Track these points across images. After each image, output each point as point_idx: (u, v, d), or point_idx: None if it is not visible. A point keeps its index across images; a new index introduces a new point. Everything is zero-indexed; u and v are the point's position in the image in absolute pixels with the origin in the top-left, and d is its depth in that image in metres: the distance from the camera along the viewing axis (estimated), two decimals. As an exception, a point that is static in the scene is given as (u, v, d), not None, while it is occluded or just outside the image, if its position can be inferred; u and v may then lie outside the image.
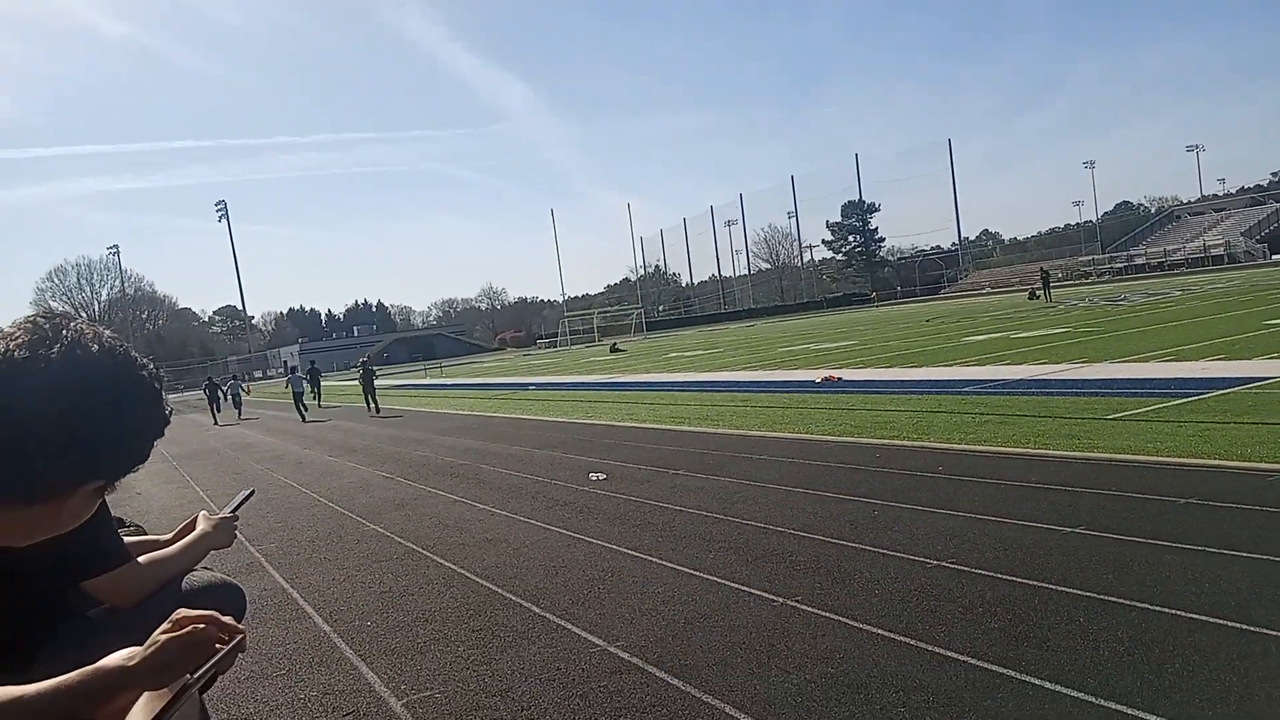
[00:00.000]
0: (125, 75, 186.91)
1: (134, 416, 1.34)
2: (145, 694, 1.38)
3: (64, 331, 1.31)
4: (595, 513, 6.50)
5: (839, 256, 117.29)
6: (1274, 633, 3.12)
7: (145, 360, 1.40)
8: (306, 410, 23.77)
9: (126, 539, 2.38)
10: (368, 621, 4.52)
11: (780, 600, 4.08)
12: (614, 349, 47.25)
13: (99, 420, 1.28)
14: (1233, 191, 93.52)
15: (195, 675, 1.38)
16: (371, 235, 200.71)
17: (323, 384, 26.75)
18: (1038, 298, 42.03)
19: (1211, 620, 3.29)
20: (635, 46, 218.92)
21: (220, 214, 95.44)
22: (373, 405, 22.11)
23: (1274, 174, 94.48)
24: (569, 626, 4.06)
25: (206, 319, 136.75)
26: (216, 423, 26.38)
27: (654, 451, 9.24)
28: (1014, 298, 48.67)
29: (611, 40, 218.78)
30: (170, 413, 1.44)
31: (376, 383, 23.12)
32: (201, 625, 1.43)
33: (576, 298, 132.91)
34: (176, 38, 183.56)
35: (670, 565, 4.87)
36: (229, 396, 30.00)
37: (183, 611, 1.46)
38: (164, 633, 1.42)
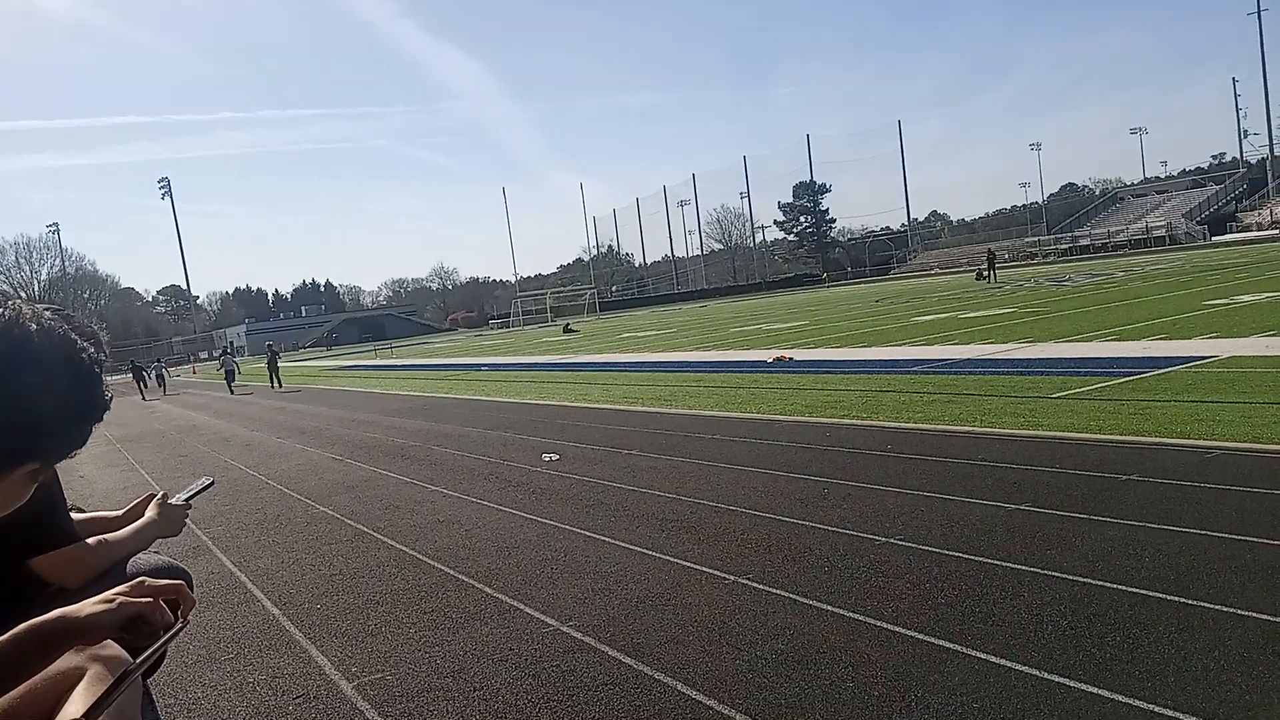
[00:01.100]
0: (64, 49, 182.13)
1: (72, 398, 1.30)
2: (85, 679, 1.36)
3: (1, 311, 1.27)
4: (548, 493, 6.49)
5: (790, 237, 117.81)
6: (1211, 605, 3.20)
7: (86, 344, 1.35)
8: (234, 390, 27.68)
9: (76, 517, 2.34)
10: (318, 604, 4.48)
11: (732, 578, 4.11)
12: (567, 329, 47.14)
13: (33, 401, 1.24)
14: (1174, 174, 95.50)
15: (137, 662, 1.36)
16: (320, 213, 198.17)
17: (280, 365, 28.94)
18: (985, 278, 42.63)
19: (1151, 594, 3.38)
20: (588, 25, 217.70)
21: (164, 191, 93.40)
22: (276, 382, 26.98)
23: (1214, 157, 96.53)
24: (522, 607, 4.05)
25: (150, 299, 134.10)
26: (144, 399, 29.82)
27: (607, 432, 9.24)
28: (962, 278, 49.31)
29: (564, 19, 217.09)
30: (110, 397, 1.40)
31: (280, 364, 28.61)
32: (158, 603, 1.39)
33: (529, 278, 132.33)
34: (117, 11, 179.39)
35: (623, 545, 4.88)
36: (154, 376, 35.42)
37: (149, 581, 1.43)
38: (122, 594, 1.38)
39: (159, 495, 2.53)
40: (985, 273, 43.05)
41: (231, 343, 38.17)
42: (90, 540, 2.24)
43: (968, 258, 75.53)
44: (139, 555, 2.33)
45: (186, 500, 2.53)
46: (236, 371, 29.58)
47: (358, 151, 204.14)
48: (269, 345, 31.28)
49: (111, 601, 1.35)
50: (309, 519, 6.64)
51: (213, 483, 2.77)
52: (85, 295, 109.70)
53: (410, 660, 3.58)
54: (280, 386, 26.51)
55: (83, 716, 1.24)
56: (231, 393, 26.91)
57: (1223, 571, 3.51)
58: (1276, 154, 75.91)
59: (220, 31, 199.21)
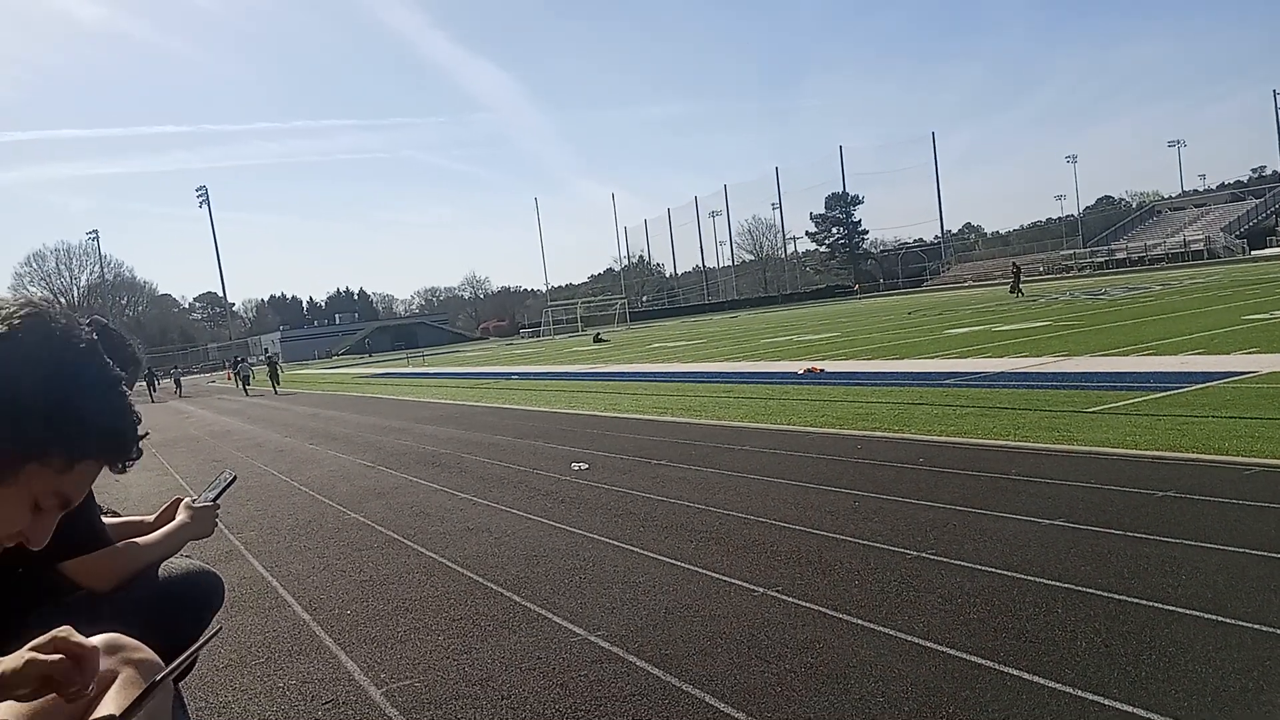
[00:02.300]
0: (102, 59, 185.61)
1: (81, 400, 1.29)
2: (117, 683, 1.37)
3: (27, 310, 1.28)
4: (577, 502, 6.49)
5: (822, 248, 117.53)
6: (1249, 625, 3.15)
7: (115, 344, 1.36)
8: (248, 392, 33.57)
9: (109, 521, 2.37)
10: (347, 610, 4.51)
11: (761, 590, 4.09)
12: (597, 339, 47.23)
13: (33, 396, 1.25)
14: (1213, 187, 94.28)
15: (170, 667, 1.36)
16: (353, 222, 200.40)
17: (280, 373, 35.24)
18: (1022, 293, 42.25)
19: (1188, 612, 3.32)
20: (616, 37, 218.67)
21: (201, 200, 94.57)
22: (275, 387, 32.46)
23: (1254, 170, 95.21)
24: (550, 616, 4.05)
25: (187, 306, 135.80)
26: (153, 400, 36.38)
27: (636, 442, 9.24)
28: (995, 291, 48.88)
29: (594, 31, 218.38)
30: (135, 410, 1.39)
31: (281, 373, 35.21)
32: (67, 662, 1.33)
33: (560, 287, 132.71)
34: (153, 22, 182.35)
35: (652, 555, 4.87)
36: (173, 381, 45.21)
37: (65, 638, 1.37)
38: (35, 649, 1.34)
39: (188, 498, 2.55)
40: (1015, 287, 42.65)
41: (240, 356, 45.30)
42: (120, 544, 2.26)
43: (1001, 270, 74.81)
44: (170, 560, 2.35)
45: (214, 499, 2.54)
46: (252, 377, 35.46)
47: (389, 162, 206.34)
48: (269, 356, 38.43)
49: (22, 659, 1.32)
50: (340, 525, 6.69)
51: (235, 478, 2.79)
52: (124, 302, 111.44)
53: (438, 667, 3.58)
54: (278, 390, 31.94)
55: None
56: (247, 395, 32.29)
57: (1261, 590, 3.45)
58: (1318, 167, 74.68)
59: (254, 43, 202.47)
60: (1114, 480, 5.43)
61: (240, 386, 36.98)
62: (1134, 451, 6.17)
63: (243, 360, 42.19)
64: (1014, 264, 48.24)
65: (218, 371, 69.60)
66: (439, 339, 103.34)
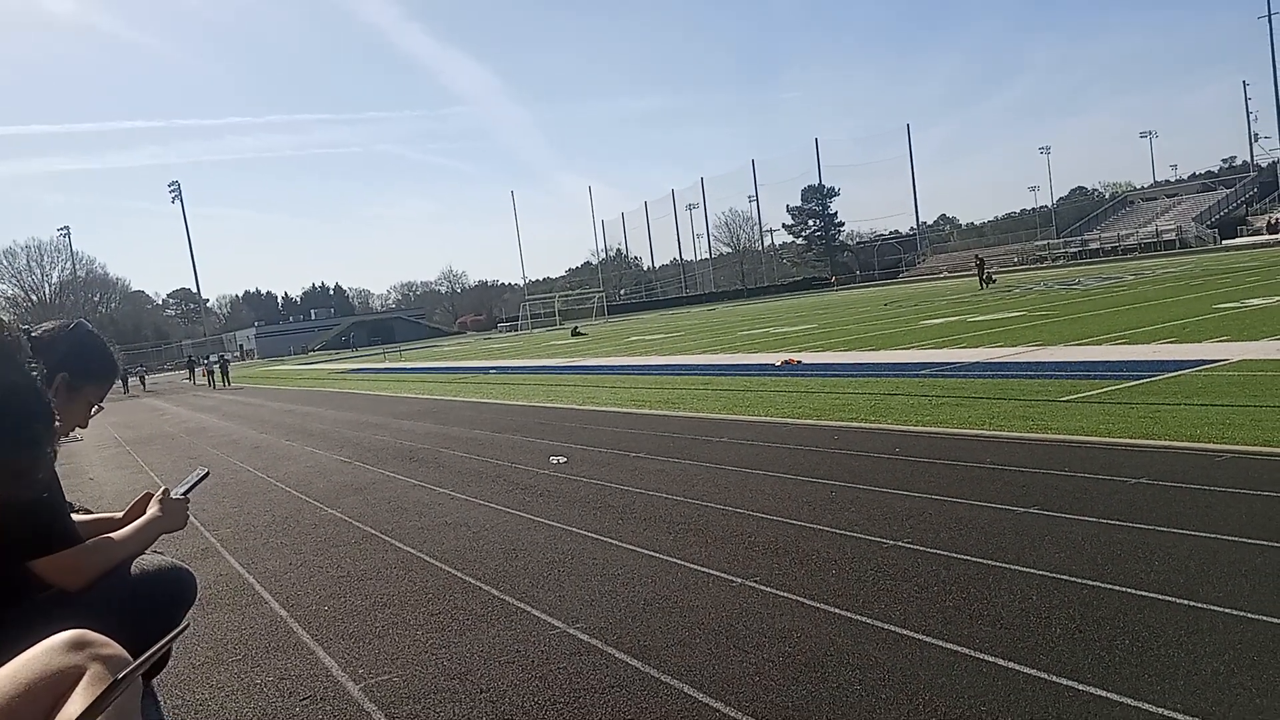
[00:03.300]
0: (72, 54, 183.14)
1: None
2: (84, 680, 1.35)
3: None
4: (555, 496, 6.49)
5: (799, 241, 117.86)
6: (1221, 609, 3.19)
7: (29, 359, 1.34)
8: (214, 386, 37.95)
9: (78, 518, 2.35)
10: (325, 606, 4.49)
11: (739, 581, 4.10)
12: (575, 333, 47.15)
13: None
14: (1185, 178, 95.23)
15: (136, 662, 1.35)
16: (328, 217, 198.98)
17: (230, 373, 41.81)
18: (994, 282, 42.52)
19: (1160, 597, 3.36)
20: (593, 29, 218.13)
21: (174, 195, 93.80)
22: (225, 382, 38.10)
23: (1225, 161, 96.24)
24: (529, 609, 4.05)
25: (160, 302, 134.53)
26: (127, 391, 41.43)
27: (615, 435, 9.24)
28: (970, 282, 49.15)
29: (569, 23, 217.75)
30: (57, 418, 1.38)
31: (230, 370, 42.06)
32: None
33: (537, 281, 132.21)
34: (124, 15, 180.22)
35: (630, 548, 4.88)
36: (137, 378, 49.21)
37: None
38: None
39: (159, 491, 2.53)
40: (990, 278, 42.90)
41: (208, 356, 54.55)
42: (90, 542, 2.23)
43: (976, 261, 75.33)
44: (143, 557, 2.33)
45: (185, 493, 2.53)
46: (215, 372, 40.98)
47: (365, 156, 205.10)
48: (222, 356, 48.47)
49: None
50: (317, 521, 6.65)
51: (208, 473, 2.77)
52: (96, 299, 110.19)
53: (417, 662, 3.58)
54: (228, 385, 37.15)
55: (80, 718, 1.24)
56: (213, 386, 38.40)
57: (1233, 575, 3.49)
58: (1287, 157, 75.55)
59: (227, 36, 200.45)
60: (1088, 468, 5.48)
61: (200, 380, 44.38)
62: (1107, 439, 6.23)
63: (141, 366, 51.87)
64: (977, 256, 48.57)
65: (178, 373, 69.80)
66: (416, 334, 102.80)
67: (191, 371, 50.73)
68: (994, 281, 42.61)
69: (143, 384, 48.30)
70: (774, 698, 2.90)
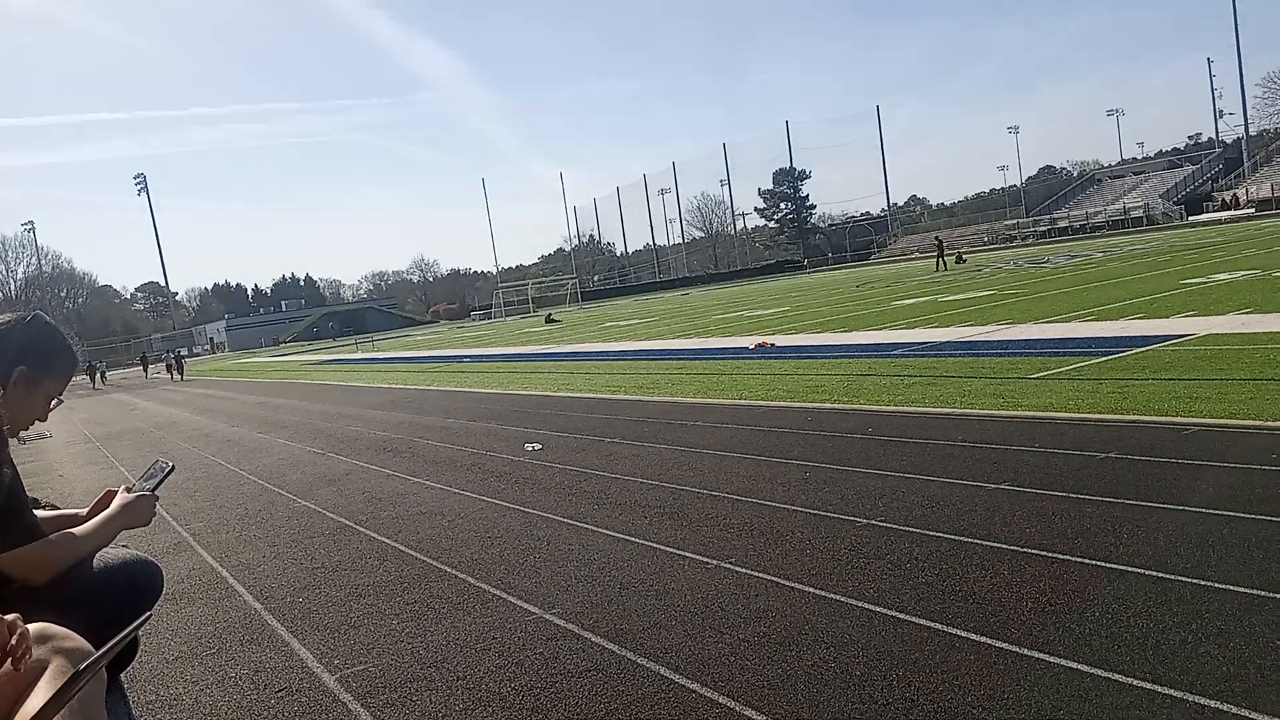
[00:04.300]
0: (31, 45, 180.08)
1: None
2: (48, 673, 1.34)
3: None
4: (531, 483, 6.48)
5: (771, 224, 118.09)
6: (1188, 580, 3.23)
7: None
8: (173, 379, 40.14)
9: (41, 514, 2.32)
10: (300, 598, 4.46)
11: (714, 563, 4.11)
12: (549, 320, 47.07)
13: None
14: (1151, 155, 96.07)
15: (97, 654, 1.34)
16: (297, 208, 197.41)
17: (185, 366, 44.53)
18: (964, 261, 42.75)
19: (1129, 569, 3.40)
20: (561, 13, 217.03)
21: (140, 187, 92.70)
22: (179, 376, 40.50)
23: (1190, 138, 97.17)
24: (505, 596, 4.05)
25: (129, 296, 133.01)
26: (95, 386, 44.14)
27: (590, 421, 9.23)
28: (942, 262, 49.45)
29: (536, 6, 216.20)
30: None
31: (185, 364, 44.57)
32: None
33: (511, 269, 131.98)
34: (84, 5, 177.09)
35: (606, 532, 4.88)
36: (100, 374, 50.74)
37: None
38: None
39: (122, 486, 2.50)
40: (961, 258, 43.09)
41: (169, 350, 61.54)
42: (53, 536, 2.21)
43: (947, 241, 75.85)
44: (107, 550, 2.31)
45: (152, 489, 2.50)
46: (177, 365, 44.30)
47: (333, 145, 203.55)
48: (177, 351, 53.23)
49: None
50: (291, 513, 6.61)
51: (174, 467, 2.74)
52: (63, 294, 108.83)
53: (393, 651, 3.56)
54: (182, 379, 39.41)
55: (38, 713, 1.22)
56: (172, 379, 40.72)
57: (1200, 546, 3.54)
58: (1251, 134, 76.45)
59: (188, 25, 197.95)
60: (1058, 444, 5.53)
61: (154, 375, 47.30)
62: (1077, 415, 6.29)
63: (102, 362, 56.93)
64: (936, 238, 48.76)
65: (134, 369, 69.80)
66: (389, 324, 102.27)
67: (145, 366, 54.85)
68: (964, 261, 42.85)
69: (102, 379, 49.74)
70: (750, 677, 2.91)
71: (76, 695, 1.30)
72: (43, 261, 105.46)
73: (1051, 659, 2.77)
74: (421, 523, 5.70)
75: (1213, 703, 2.41)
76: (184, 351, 55.38)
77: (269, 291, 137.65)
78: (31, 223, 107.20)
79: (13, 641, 1.36)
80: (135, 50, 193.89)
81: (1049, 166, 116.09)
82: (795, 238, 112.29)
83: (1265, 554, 3.38)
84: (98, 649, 1.50)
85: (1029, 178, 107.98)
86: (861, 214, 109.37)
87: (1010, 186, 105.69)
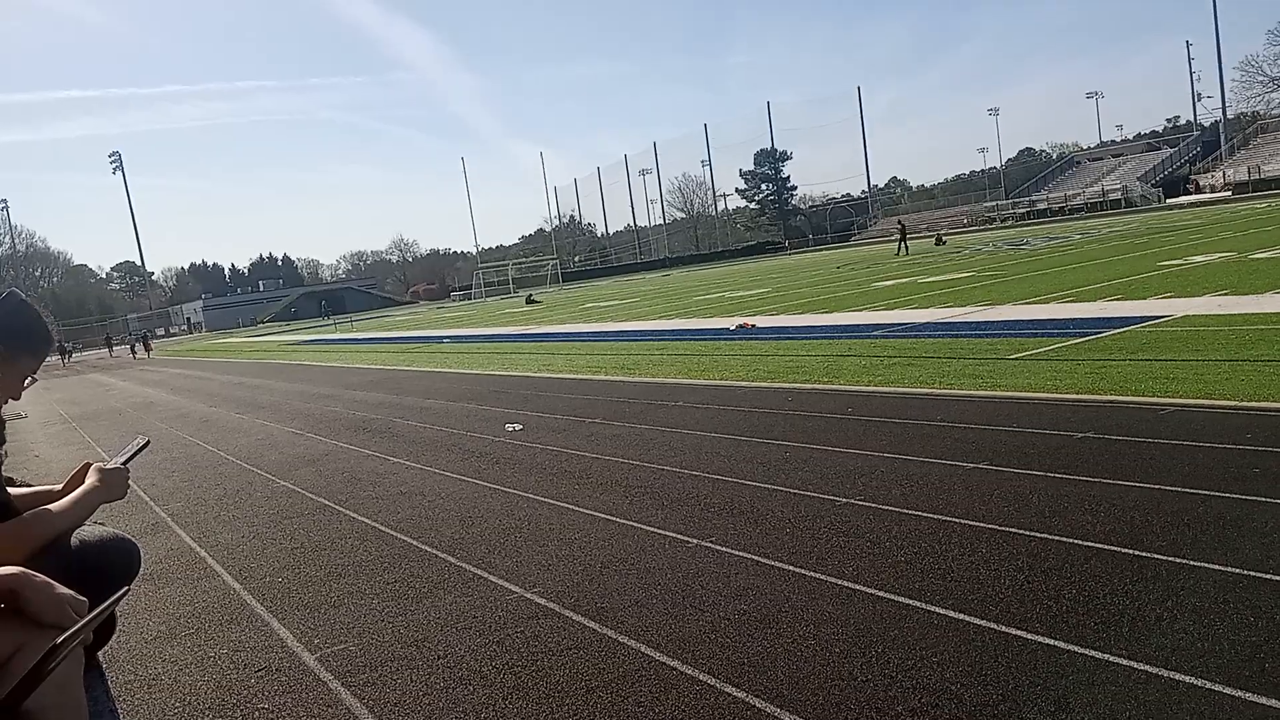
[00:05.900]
0: (1, 23, 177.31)
1: None
2: (21, 654, 1.33)
3: None
4: (512, 463, 6.47)
5: (752, 205, 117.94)
6: (1164, 557, 3.26)
7: None
8: (142, 356, 43.72)
9: (15, 492, 2.29)
10: (279, 578, 4.44)
11: (695, 542, 4.12)
12: (530, 300, 46.94)
13: None
14: (1130, 138, 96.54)
15: (69, 633, 1.32)
16: (274, 186, 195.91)
17: (152, 346, 49.57)
18: (944, 243, 42.85)
19: (1106, 547, 3.43)
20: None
21: (114, 166, 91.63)
22: (146, 354, 44.88)
23: (1168, 121, 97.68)
24: (486, 575, 4.04)
25: (104, 276, 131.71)
26: (65, 365, 45.73)
27: (570, 401, 9.22)
28: (922, 244, 49.57)
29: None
30: None
31: (153, 343, 49.53)
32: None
33: (491, 249, 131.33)
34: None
35: (586, 512, 4.88)
36: (68, 353, 53.58)
37: None
38: None
39: (98, 463, 2.48)
40: (940, 239, 43.03)
41: (136, 332, 65.50)
42: (28, 514, 2.18)
43: (927, 223, 76.12)
44: (84, 528, 2.29)
45: (124, 462, 2.47)
46: (145, 346, 47.94)
47: (309, 124, 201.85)
48: (144, 333, 58.04)
49: None
50: (270, 493, 6.58)
51: (148, 442, 2.71)
52: (38, 273, 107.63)
53: (373, 631, 3.56)
54: (149, 357, 42.87)
55: (15, 687, 1.21)
56: (134, 357, 45.30)
57: (1176, 524, 3.58)
58: (1229, 117, 76.90)
59: (161, 2, 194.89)
60: (1035, 423, 5.57)
61: (118, 354, 50.85)
62: (1055, 395, 6.33)
63: (71, 342, 60.47)
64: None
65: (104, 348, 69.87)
66: (368, 304, 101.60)
67: (110, 346, 58.70)
68: (944, 243, 42.96)
69: (69, 357, 52.13)
70: (730, 655, 2.93)
71: (53, 670, 1.28)
72: (16, 241, 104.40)
73: (1029, 636, 2.80)
74: (401, 503, 5.69)
75: (1188, 678, 2.44)
76: (159, 331, 58.64)
77: (246, 271, 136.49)
78: (4, 201, 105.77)
79: None
80: (107, 27, 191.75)
81: (1028, 149, 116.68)
82: (776, 219, 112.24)
83: (1239, 532, 3.42)
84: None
85: (1009, 160, 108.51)
86: (842, 195, 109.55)
87: (990, 169, 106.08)
